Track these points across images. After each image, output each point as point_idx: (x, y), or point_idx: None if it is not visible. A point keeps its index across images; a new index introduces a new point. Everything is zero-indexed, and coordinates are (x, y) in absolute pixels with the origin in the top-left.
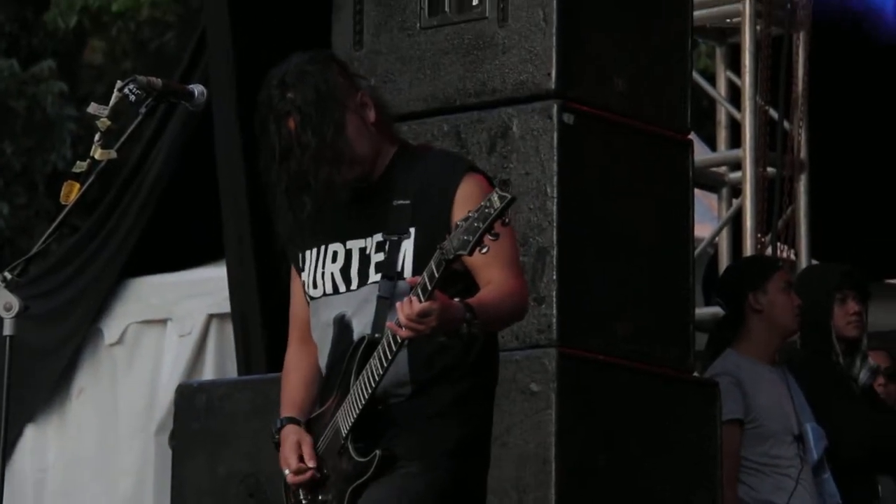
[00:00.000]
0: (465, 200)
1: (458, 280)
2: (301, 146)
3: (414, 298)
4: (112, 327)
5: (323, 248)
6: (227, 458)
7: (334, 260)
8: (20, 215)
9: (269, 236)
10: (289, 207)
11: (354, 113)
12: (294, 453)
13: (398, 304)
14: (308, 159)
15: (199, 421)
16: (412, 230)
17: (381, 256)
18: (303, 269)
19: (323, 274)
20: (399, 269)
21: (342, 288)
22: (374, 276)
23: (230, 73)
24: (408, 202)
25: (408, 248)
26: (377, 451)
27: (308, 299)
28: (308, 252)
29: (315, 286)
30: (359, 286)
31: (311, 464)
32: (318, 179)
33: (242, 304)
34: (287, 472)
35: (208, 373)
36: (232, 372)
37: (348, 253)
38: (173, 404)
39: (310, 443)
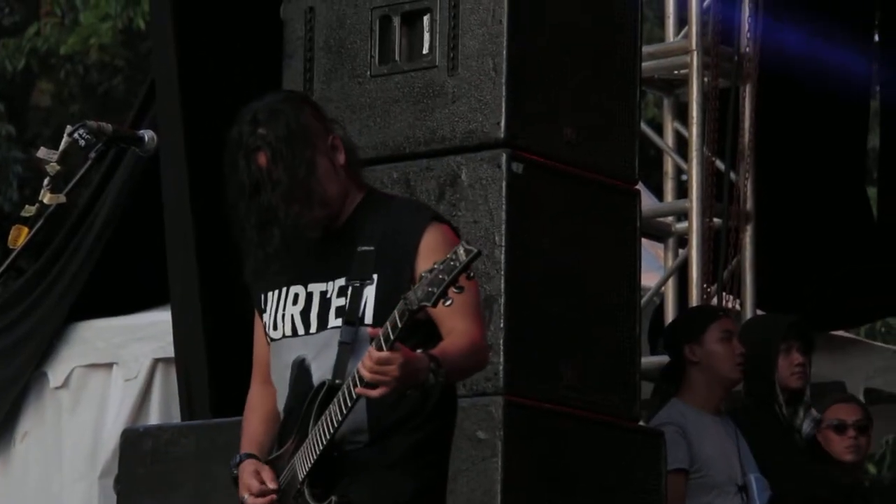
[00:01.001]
0: (429, 250)
1: (419, 329)
2: (272, 182)
3: (373, 349)
4: (57, 371)
5: (284, 289)
6: (172, 503)
7: (295, 302)
8: None
9: (215, 282)
10: (258, 243)
11: (325, 155)
12: (254, 478)
13: (368, 350)
14: (279, 196)
15: (144, 466)
16: (375, 276)
17: (341, 301)
18: (264, 311)
19: (283, 316)
20: (360, 314)
21: (301, 331)
22: (333, 321)
23: (178, 119)
24: (371, 248)
25: (370, 294)
26: (332, 498)
27: (269, 340)
28: (270, 293)
29: (275, 328)
30: (318, 330)
31: (272, 486)
32: (289, 216)
33: (186, 349)
34: (247, 496)
35: (154, 417)
36: (177, 416)
37: (309, 296)
38: (118, 448)
39: (269, 470)
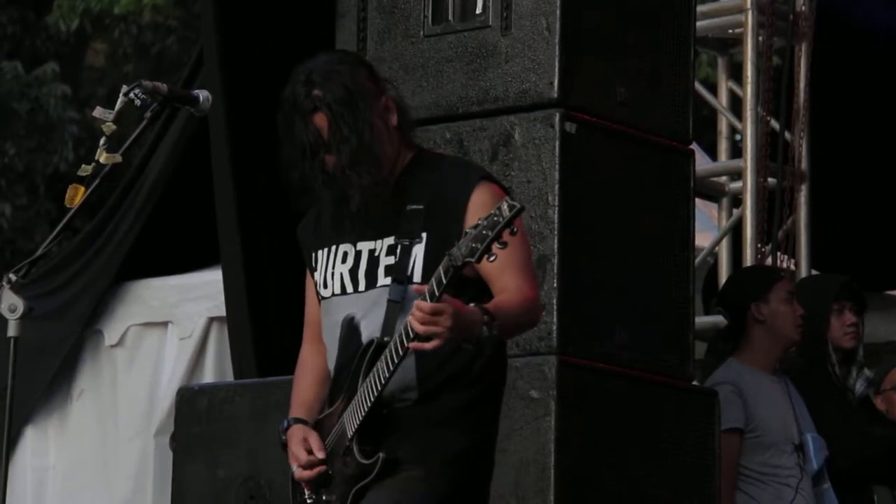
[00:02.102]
0: (478, 208)
1: (469, 286)
2: (336, 144)
3: (422, 302)
4: (112, 329)
5: (334, 248)
6: (227, 460)
7: (344, 260)
8: (21, 216)
9: (258, 242)
10: (332, 201)
11: (379, 116)
12: (302, 447)
13: (416, 303)
14: (347, 156)
15: (199, 424)
16: (424, 235)
17: (390, 259)
18: (315, 269)
19: (332, 274)
20: (409, 273)
21: (350, 289)
22: (382, 279)
23: (218, 81)
24: (420, 207)
25: (419, 252)
26: (380, 454)
27: (319, 299)
28: (320, 251)
29: (325, 286)
30: (367, 288)
31: (320, 455)
32: (361, 176)
33: (234, 309)
34: (296, 467)
35: (208, 375)
36: (231, 375)
37: (358, 254)
38: (174, 407)
39: (317, 437)
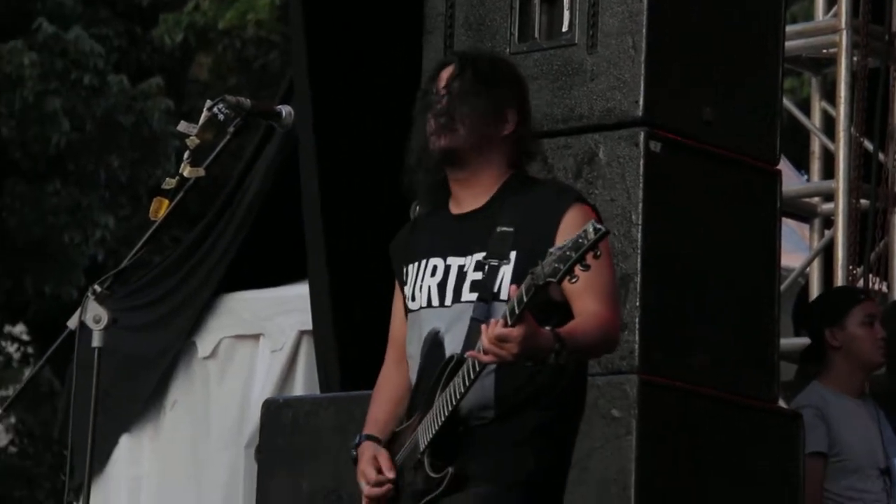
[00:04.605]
0: (569, 229)
1: (557, 308)
2: (459, 89)
3: (500, 321)
4: (206, 341)
5: (425, 261)
6: (310, 473)
7: (433, 274)
8: (124, 227)
9: (344, 257)
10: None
11: (499, 119)
12: (371, 465)
13: (482, 326)
14: (454, 100)
15: (284, 436)
16: (512, 255)
17: (477, 275)
18: (405, 283)
19: (421, 287)
20: (495, 291)
21: (436, 302)
22: (467, 295)
23: (307, 96)
24: (511, 230)
25: (506, 272)
26: (449, 469)
27: (407, 313)
28: (411, 265)
29: (413, 299)
30: (452, 302)
31: (389, 475)
32: (454, 119)
33: (319, 323)
34: (364, 485)
35: (299, 388)
36: None
37: (447, 268)
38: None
39: (386, 455)
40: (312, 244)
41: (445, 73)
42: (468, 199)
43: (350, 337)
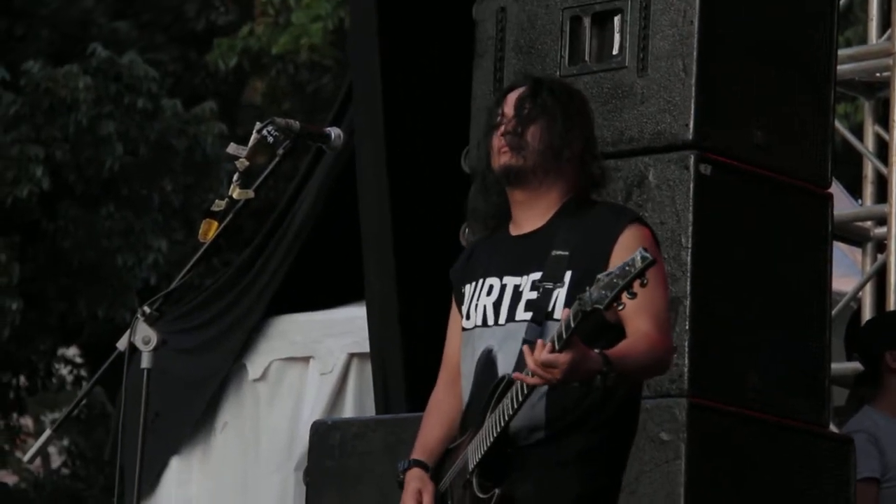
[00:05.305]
0: (624, 250)
1: (609, 329)
2: (530, 110)
3: (548, 345)
4: (256, 363)
5: (481, 281)
6: (358, 496)
7: (489, 293)
8: (178, 251)
9: (411, 277)
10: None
11: (566, 143)
12: (414, 500)
13: (525, 348)
14: (525, 120)
15: (332, 458)
16: (567, 276)
17: (532, 295)
18: (461, 302)
19: (476, 306)
20: (548, 312)
21: (490, 321)
22: (521, 314)
23: (379, 119)
24: (566, 254)
25: (560, 294)
26: (496, 490)
27: (462, 331)
28: (468, 285)
29: (468, 317)
30: (506, 321)
31: None
32: (523, 138)
33: (383, 344)
34: None
35: (348, 410)
36: (371, 411)
37: (503, 288)
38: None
39: (431, 492)
40: (376, 266)
41: (514, 95)
42: (528, 220)
43: (414, 357)
